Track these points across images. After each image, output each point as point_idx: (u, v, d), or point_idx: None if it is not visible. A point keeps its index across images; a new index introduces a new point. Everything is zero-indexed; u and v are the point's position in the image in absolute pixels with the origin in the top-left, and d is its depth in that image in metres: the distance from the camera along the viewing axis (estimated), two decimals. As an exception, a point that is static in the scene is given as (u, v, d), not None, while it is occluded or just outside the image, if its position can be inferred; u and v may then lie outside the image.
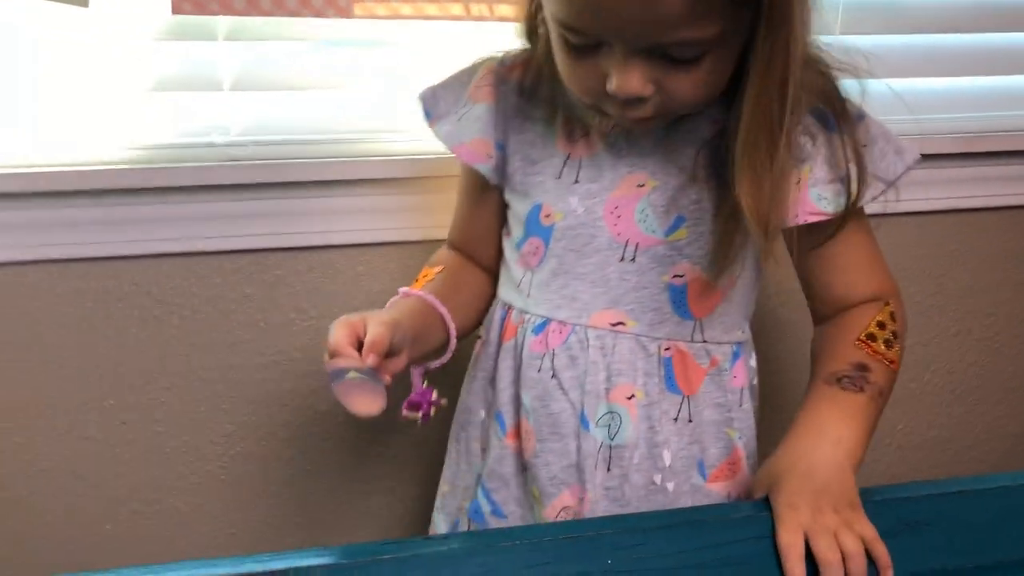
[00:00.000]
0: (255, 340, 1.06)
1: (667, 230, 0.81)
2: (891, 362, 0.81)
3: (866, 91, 0.80)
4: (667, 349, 0.83)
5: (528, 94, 0.85)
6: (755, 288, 0.88)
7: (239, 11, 0.96)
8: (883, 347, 0.81)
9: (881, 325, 0.81)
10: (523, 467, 0.87)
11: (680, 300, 0.82)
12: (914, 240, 1.20)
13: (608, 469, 0.83)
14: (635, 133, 0.81)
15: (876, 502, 0.74)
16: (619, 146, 0.82)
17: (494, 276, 0.92)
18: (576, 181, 0.83)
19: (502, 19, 1.01)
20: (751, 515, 0.72)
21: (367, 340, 0.74)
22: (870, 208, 0.83)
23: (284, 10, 0.97)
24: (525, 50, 0.86)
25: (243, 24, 1.00)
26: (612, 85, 0.71)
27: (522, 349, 0.86)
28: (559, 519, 0.85)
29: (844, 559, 0.68)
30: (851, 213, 0.80)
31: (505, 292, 0.90)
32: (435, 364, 0.85)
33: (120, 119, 1.00)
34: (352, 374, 0.74)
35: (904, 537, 0.73)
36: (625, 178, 0.82)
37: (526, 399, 0.85)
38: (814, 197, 0.79)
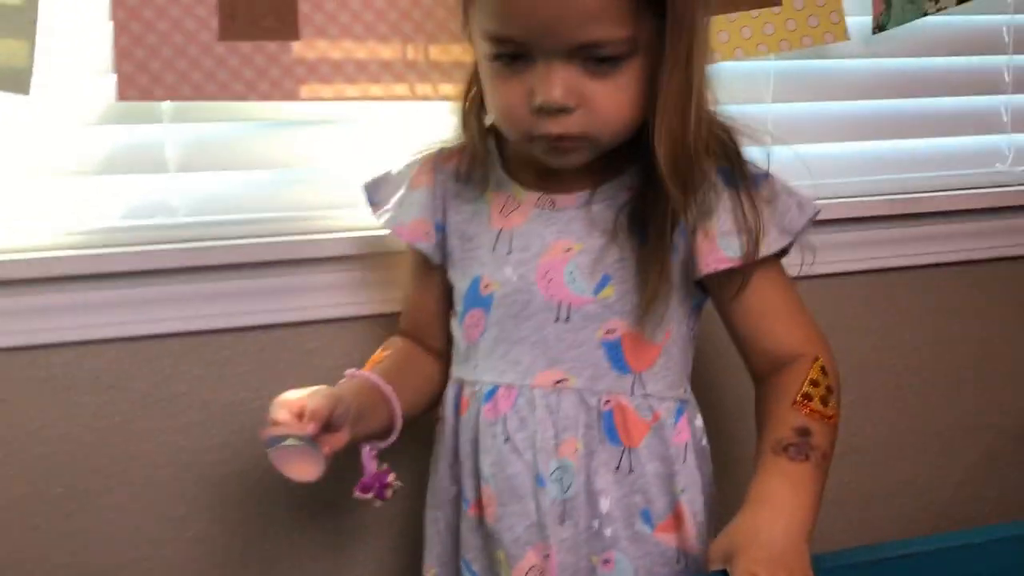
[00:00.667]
0: (206, 421, 1.05)
1: (595, 289, 0.85)
2: (829, 418, 0.83)
3: (771, 155, 0.88)
4: (607, 402, 0.86)
5: (464, 178, 0.92)
6: (690, 345, 0.91)
7: (185, 96, 0.97)
8: (820, 405, 0.83)
9: (814, 383, 0.83)
10: (487, 534, 0.89)
11: (616, 355, 0.86)
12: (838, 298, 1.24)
13: (562, 523, 0.86)
14: (559, 203, 0.87)
15: (827, 570, 0.76)
16: (546, 216, 0.88)
17: (443, 360, 0.96)
18: (509, 252, 0.88)
19: (445, 98, 1.03)
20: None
21: (307, 409, 0.78)
22: (793, 271, 0.88)
23: (230, 94, 0.98)
24: (460, 142, 0.93)
25: (188, 105, 1.00)
26: (537, 98, 0.78)
27: (477, 420, 0.88)
28: None
29: None
30: (758, 262, 0.84)
31: (456, 370, 0.93)
32: (383, 445, 0.88)
33: (64, 203, 0.99)
34: (290, 441, 0.78)
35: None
36: (552, 245, 0.87)
37: (484, 466, 0.88)
38: (722, 246, 0.84)
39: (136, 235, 1.01)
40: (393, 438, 0.89)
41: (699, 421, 0.92)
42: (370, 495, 0.86)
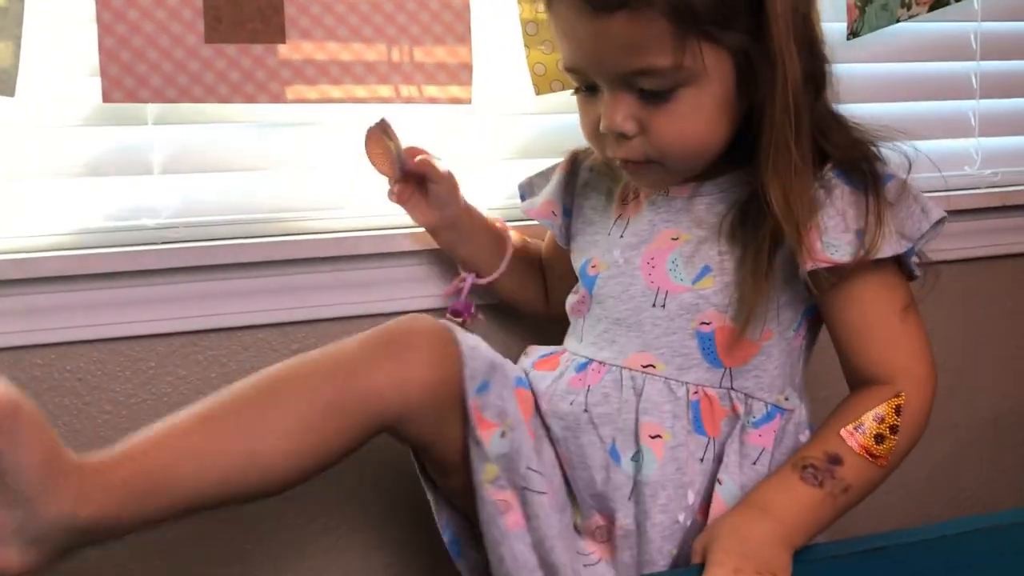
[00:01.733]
0: (190, 422, 1.05)
1: (694, 279, 0.86)
2: (876, 457, 0.80)
3: (907, 156, 0.87)
4: (695, 393, 0.86)
5: (597, 170, 0.98)
6: (801, 355, 0.90)
7: (171, 99, 0.97)
8: (871, 441, 0.81)
9: (879, 419, 0.81)
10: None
11: (709, 347, 0.86)
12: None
13: (637, 504, 0.85)
14: (673, 191, 0.90)
15: (805, 561, 0.78)
16: (659, 203, 0.91)
17: (552, 299, 1.05)
18: (621, 236, 0.92)
19: (431, 100, 1.05)
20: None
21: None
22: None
23: (216, 97, 0.98)
24: None
25: (173, 108, 1.01)
26: (601, 124, 0.83)
27: (558, 382, 0.90)
28: (595, 534, 0.88)
29: None
30: (869, 270, 0.82)
31: (569, 344, 0.95)
32: (482, 281, 1.03)
33: (47, 205, 0.99)
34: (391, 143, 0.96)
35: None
36: (661, 232, 0.90)
37: (555, 427, 0.89)
38: (823, 245, 0.81)
39: (120, 236, 1.01)
40: (492, 278, 1.02)
41: (803, 437, 0.88)
42: (459, 319, 1.02)
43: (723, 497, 0.84)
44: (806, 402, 0.91)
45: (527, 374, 0.92)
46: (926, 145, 1.31)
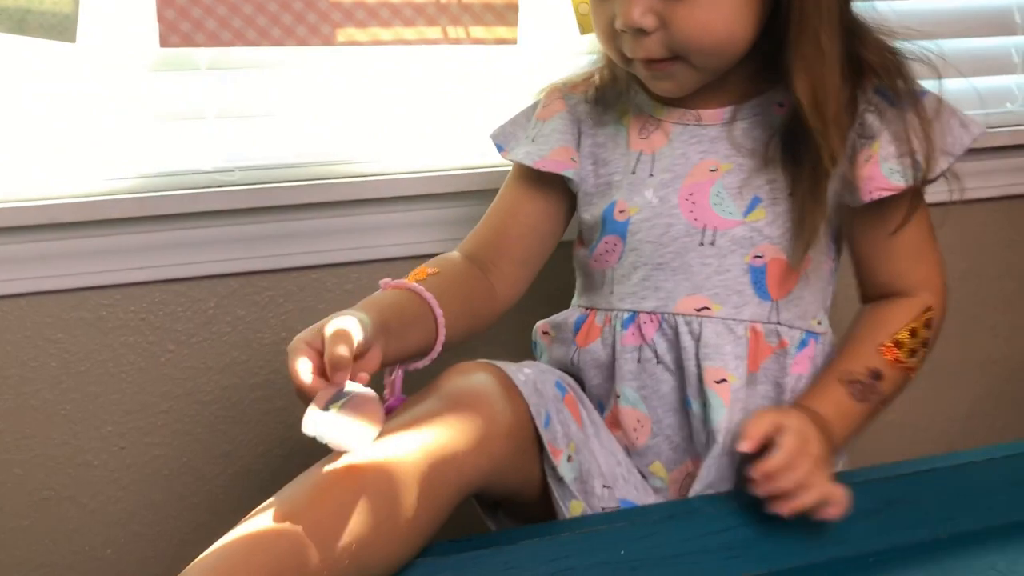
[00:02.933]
0: (248, 360, 1.08)
1: (745, 211, 0.83)
2: (909, 369, 0.84)
3: (932, 61, 0.84)
4: (749, 330, 0.83)
5: (595, 101, 0.91)
6: (832, 278, 0.89)
7: (226, 42, 0.99)
8: (906, 356, 0.83)
9: (913, 333, 0.83)
10: (636, 454, 0.87)
11: (760, 281, 0.83)
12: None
13: (707, 443, 0.83)
14: (705, 118, 0.85)
15: (858, 483, 0.80)
16: (690, 132, 0.86)
17: (500, 291, 0.91)
18: (651, 175, 0.86)
19: (477, 41, 1.06)
20: (748, 502, 0.77)
21: (327, 360, 0.68)
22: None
23: (269, 40, 1.00)
24: (583, 73, 0.93)
25: (225, 54, 1.03)
26: (617, 21, 0.78)
27: (610, 347, 0.86)
28: (683, 483, 0.86)
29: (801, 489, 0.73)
30: (919, 191, 0.82)
31: (583, 299, 0.92)
32: (420, 364, 0.81)
33: (108, 150, 1.02)
34: (332, 411, 0.66)
35: (885, 515, 0.79)
36: (697, 165, 0.84)
37: (627, 392, 0.85)
38: (886, 171, 0.80)
39: (177, 180, 1.03)
40: (428, 360, 0.81)
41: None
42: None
43: None
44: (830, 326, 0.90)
45: (562, 367, 0.88)
46: (967, 81, 1.33)
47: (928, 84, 0.85)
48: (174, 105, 1.03)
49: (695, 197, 0.84)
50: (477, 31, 1.06)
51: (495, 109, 1.05)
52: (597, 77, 0.92)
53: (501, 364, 0.79)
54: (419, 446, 0.69)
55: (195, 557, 1.10)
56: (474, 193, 1.10)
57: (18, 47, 0.96)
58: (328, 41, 1.02)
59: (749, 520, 0.76)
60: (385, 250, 1.10)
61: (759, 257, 0.83)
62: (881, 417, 1.33)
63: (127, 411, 1.06)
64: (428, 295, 0.81)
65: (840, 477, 0.80)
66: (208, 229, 1.04)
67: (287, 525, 0.64)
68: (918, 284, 0.86)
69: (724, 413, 0.82)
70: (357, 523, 0.65)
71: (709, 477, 0.83)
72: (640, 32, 0.78)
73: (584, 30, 1.10)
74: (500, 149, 0.95)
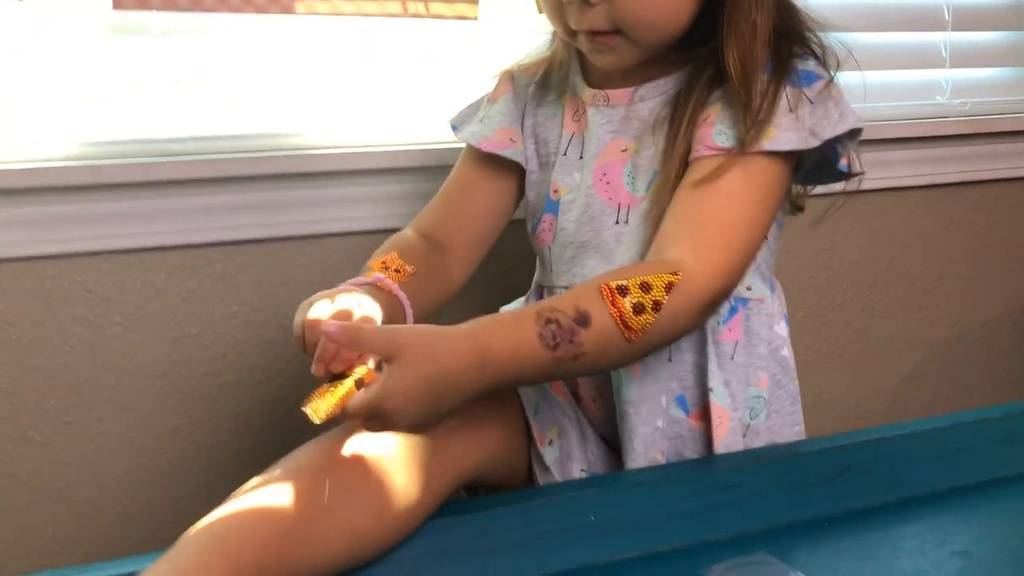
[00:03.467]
0: (199, 334, 1.06)
1: (647, 186, 0.84)
2: (627, 328, 0.71)
3: (837, 53, 0.84)
4: None
5: (540, 83, 0.93)
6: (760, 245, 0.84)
7: (181, 7, 0.97)
8: (629, 309, 0.70)
9: (646, 287, 0.71)
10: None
11: None
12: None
13: (622, 423, 0.84)
14: (613, 98, 0.86)
15: (814, 452, 0.84)
16: (601, 114, 0.87)
17: (456, 266, 0.92)
18: (580, 157, 0.88)
19: (437, 16, 1.06)
20: (724, 468, 0.80)
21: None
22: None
23: (227, 7, 0.98)
24: (536, 56, 0.95)
25: (178, 22, 1.01)
26: None
27: None
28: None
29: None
30: (743, 156, 0.78)
31: (536, 277, 0.94)
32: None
33: (58, 117, 0.99)
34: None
35: (839, 481, 0.83)
36: (608, 145, 0.87)
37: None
38: (716, 132, 0.79)
39: (129, 148, 1.01)
40: None
41: (780, 328, 0.87)
42: None
43: (719, 403, 0.83)
44: (779, 292, 0.89)
45: None
46: (899, 74, 1.39)
47: (852, 76, 0.87)
48: (126, 72, 1.01)
49: (608, 177, 0.86)
50: (437, 6, 1.06)
51: (452, 86, 1.05)
52: (547, 61, 0.94)
53: None
54: (419, 437, 0.71)
55: (140, 536, 1.08)
56: (430, 169, 1.09)
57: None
58: (287, 10, 1.01)
59: (713, 486, 0.79)
60: (339, 224, 1.09)
61: None
62: (814, 395, 1.39)
63: (71, 385, 1.03)
64: (402, 295, 0.82)
65: (798, 446, 0.84)
66: (159, 200, 1.01)
67: (292, 501, 0.65)
68: (687, 253, 0.74)
69: (636, 385, 0.82)
70: (359, 508, 0.67)
71: (639, 449, 0.83)
72: (585, 4, 0.79)
73: (542, 8, 1.10)
74: (454, 129, 0.97)
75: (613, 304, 0.70)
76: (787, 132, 0.78)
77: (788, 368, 0.89)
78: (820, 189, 0.93)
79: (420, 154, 1.09)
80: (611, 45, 0.82)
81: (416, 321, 0.82)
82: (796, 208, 0.93)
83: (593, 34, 0.81)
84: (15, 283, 0.99)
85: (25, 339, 1.00)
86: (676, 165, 0.81)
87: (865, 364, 1.42)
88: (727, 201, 0.77)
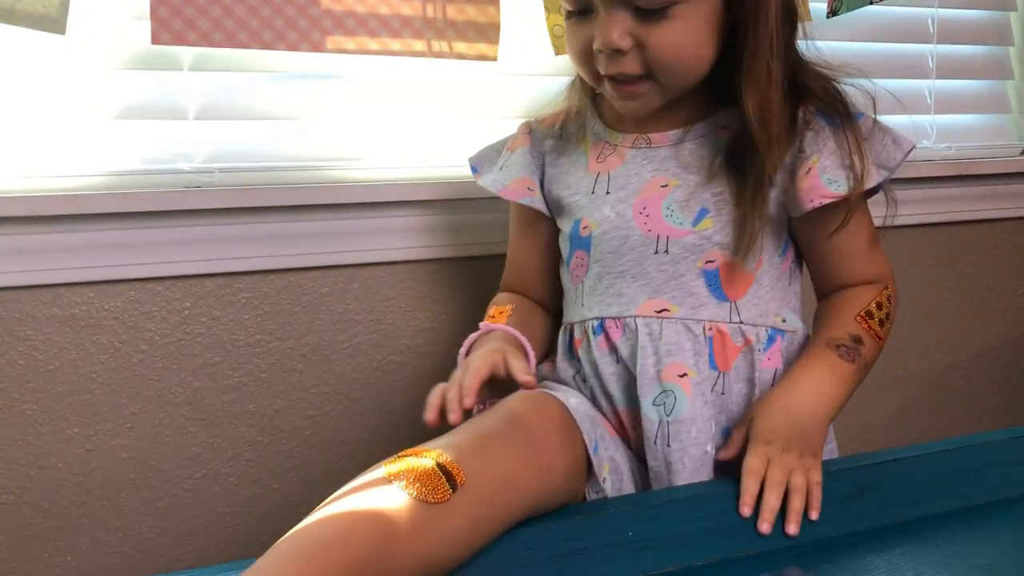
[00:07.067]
0: (222, 362, 1.08)
1: (694, 221, 0.91)
2: (880, 339, 0.93)
3: (868, 92, 0.93)
4: (710, 330, 0.91)
5: (558, 135, 1.00)
6: (792, 279, 0.96)
7: (217, 43, 1.00)
8: (877, 325, 0.93)
9: (879, 306, 0.93)
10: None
11: (715, 284, 0.91)
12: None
13: (668, 444, 0.89)
14: (655, 140, 0.94)
15: (834, 471, 0.87)
16: (643, 155, 0.94)
17: (548, 313, 1.03)
18: (608, 192, 0.94)
19: (459, 56, 1.10)
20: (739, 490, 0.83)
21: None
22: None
23: (260, 43, 1.01)
24: (554, 110, 1.01)
25: (206, 56, 1.04)
26: (596, 41, 0.86)
27: (591, 354, 0.93)
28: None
29: (789, 492, 0.81)
30: (857, 199, 0.90)
31: (567, 315, 0.99)
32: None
33: (86, 146, 1.01)
34: None
35: (859, 499, 0.86)
36: (649, 182, 0.93)
37: (615, 392, 0.92)
38: (825, 181, 0.89)
39: (157, 180, 1.03)
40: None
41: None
42: None
43: None
44: (805, 324, 0.97)
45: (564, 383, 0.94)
46: (886, 120, 1.44)
47: (854, 92, 0.94)
48: (157, 103, 1.03)
49: (648, 210, 0.92)
50: (460, 46, 1.10)
51: (473, 122, 1.09)
52: (564, 113, 1.01)
53: (558, 392, 0.87)
54: (490, 470, 0.75)
55: (159, 564, 1.08)
56: (450, 202, 1.13)
57: (2, 38, 0.94)
58: (317, 48, 1.04)
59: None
60: (362, 255, 1.12)
61: (711, 262, 0.91)
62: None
63: (95, 412, 1.03)
64: (519, 334, 0.94)
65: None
66: (187, 228, 1.03)
67: (381, 515, 0.68)
68: (873, 276, 0.95)
69: (687, 404, 0.89)
70: (436, 533, 0.70)
71: (689, 468, 0.89)
72: (617, 52, 0.86)
73: (558, 51, 1.15)
74: (474, 171, 1.04)
75: (870, 328, 0.92)
76: (869, 171, 0.90)
77: None
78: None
79: (440, 187, 1.12)
80: (640, 91, 0.88)
81: (534, 347, 0.95)
82: None
83: (622, 83, 0.88)
84: (45, 310, 1.00)
85: (51, 365, 1.01)
86: (756, 212, 0.89)
87: (857, 397, 1.45)
88: (864, 227, 0.95)
